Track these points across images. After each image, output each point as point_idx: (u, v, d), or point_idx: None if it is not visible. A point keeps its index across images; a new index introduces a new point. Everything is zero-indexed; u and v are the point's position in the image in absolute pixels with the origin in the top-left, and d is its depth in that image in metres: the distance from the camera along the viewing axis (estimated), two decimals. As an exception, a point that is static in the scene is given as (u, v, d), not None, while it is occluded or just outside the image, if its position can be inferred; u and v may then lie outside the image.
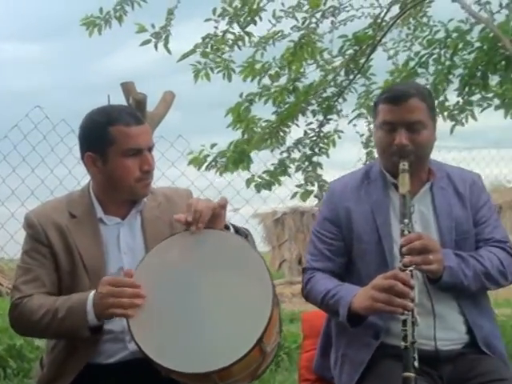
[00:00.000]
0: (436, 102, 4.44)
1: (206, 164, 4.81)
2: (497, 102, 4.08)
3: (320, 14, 4.66)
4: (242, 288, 1.75)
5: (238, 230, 1.93)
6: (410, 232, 1.84)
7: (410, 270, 1.79)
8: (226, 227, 1.90)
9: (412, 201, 1.96)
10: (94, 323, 1.80)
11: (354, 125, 4.67)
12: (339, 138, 4.85)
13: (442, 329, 1.92)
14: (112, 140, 1.88)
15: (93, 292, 1.80)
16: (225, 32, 4.54)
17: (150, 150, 1.93)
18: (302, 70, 4.58)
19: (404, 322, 1.75)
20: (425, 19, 4.48)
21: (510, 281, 2.06)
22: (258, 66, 4.78)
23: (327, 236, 2.06)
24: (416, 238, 1.82)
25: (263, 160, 4.82)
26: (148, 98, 3.86)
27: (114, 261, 1.96)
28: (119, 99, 3.26)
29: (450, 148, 8.00)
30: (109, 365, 1.93)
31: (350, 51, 4.33)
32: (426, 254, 1.81)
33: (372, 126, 4.82)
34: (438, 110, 4.42)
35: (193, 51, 4.34)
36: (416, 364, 1.72)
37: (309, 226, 12.56)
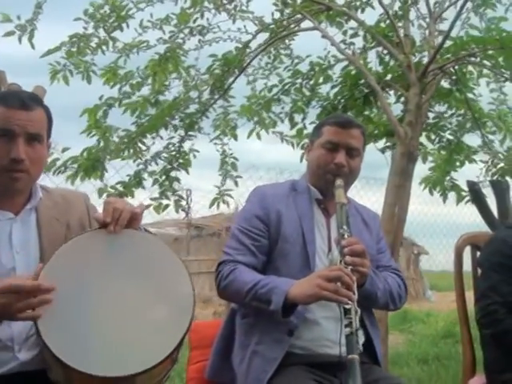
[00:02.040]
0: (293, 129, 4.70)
1: (53, 168, 4.53)
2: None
3: (188, 30, 4.68)
4: (162, 293, 1.68)
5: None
6: (348, 236, 1.96)
7: (350, 269, 1.90)
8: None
9: (331, 219, 2.14)
10: None
11: (215, 143, 4.71)
12: (194, 157, 4.87)
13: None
14: None
15: None
16: (89, 36, 4.38)
17: (31, 139, 1.76)
18: (166, 83, 4.54)
19: (349, 311, 1.84)
20: (287, 51, 4.70)
21: (401, 305, 2.26)
22: (120, 72, 4.68)
23: (255, 232, 2.11)
24: (356, 242, 1.96)
25: (119, 170, 4.65)
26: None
27: (5, 259, 1.76)
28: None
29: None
30: None
31: (218, 71, 4.39)
32: (363, 257, 1.94)
33: (226, 147, 4.97)
34: (296, 136, 4.67)
35: (58, 48, 4.14)
36: (360, 348, 1.82)
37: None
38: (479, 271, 2.46)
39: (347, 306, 1.85)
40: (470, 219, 9.27)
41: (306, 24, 4.52)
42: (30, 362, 1.75)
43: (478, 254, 2.56)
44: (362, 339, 2.12)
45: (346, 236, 1.96)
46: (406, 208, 3.57)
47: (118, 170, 4.53)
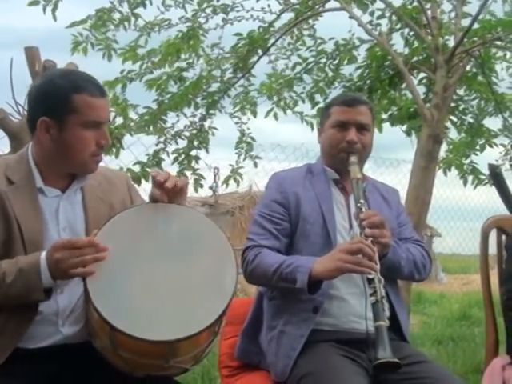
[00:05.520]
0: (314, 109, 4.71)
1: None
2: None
3: (211, 9, 4.66)
4: (207, 269, 1.72)
5: None
6: (366, 210, 2.01)
7: (371, 241, 1.95)
8: None
9: (350, 197, 2.17)
10: (49, 284, 1.66)
11: (237, 122, 4.72)
12: (213, 134, 4.89)
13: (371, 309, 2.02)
14: (74, 108, 1.75)
15: (44, 252, 1.66)
16: (113, 10, 4.37)
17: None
18: (190, 61, 4.53)
19: (372, 280, 1.90)
20: (310, 31, 4.68)
21: (426, 275, 2.28)
22: (140, 52, 4.67)
23: (275, 216, 2.15)
24: (374, 214, 2.01)
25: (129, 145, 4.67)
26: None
27: (52, 236, 1.79)
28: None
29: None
30: (38, 349, 1.76)
31: (242, 50, 4.38)
32: (383, 228, 1.98)
33: (243, 126, 4.98)
34: (316, 116, 4.68)
35: (84, 21, 4.14)
36: (387, 314, 1.88)
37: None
38: (504, 254, 2.48)
39: (370, 276, 1.90)
40: (479, 202, 9.27)
41: (331, 4, 4.51)
42: (73, 336, 1.79)
43: (504, 237, 2.58)
44: (387, 313, 2.14)
45: (363, 210, 2.01)
46: (430, 190, 3.60)
47: (128, 146, 4.54)
